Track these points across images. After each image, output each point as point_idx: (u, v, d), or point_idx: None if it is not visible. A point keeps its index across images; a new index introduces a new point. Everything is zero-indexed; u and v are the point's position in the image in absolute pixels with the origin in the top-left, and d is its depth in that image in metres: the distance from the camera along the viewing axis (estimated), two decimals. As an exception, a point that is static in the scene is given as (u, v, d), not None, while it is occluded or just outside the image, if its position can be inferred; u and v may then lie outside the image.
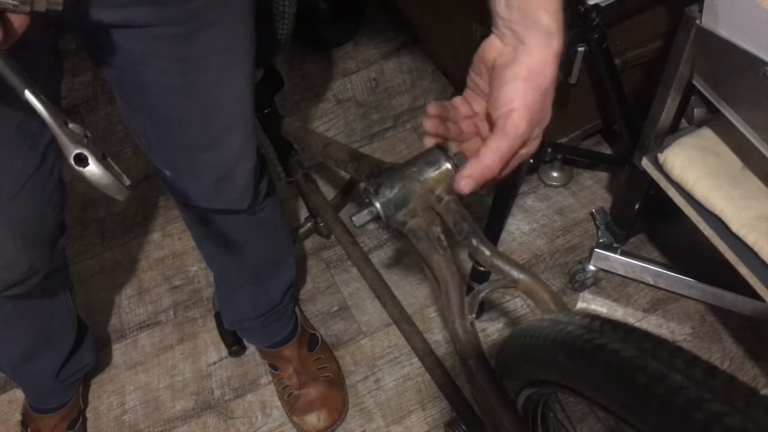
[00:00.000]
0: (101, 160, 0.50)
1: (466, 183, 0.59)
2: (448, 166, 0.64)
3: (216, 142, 0.87)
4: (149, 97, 0.80)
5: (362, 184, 0.67)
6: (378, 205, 0.65)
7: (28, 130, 0.76)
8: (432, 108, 0.61)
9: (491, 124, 0.60)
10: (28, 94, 0.50)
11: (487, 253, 0.63)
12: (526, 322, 0.62)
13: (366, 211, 0.66)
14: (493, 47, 0.59)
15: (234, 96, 0.84)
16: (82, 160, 0.49)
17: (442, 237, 0.67)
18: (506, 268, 0.62)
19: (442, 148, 0.64)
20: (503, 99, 0.57)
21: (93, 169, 0.49)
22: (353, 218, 0.66)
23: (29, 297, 0.95)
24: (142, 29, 0.70)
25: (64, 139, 0.50)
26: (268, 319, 1.22)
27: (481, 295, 0.64)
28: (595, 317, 0.48)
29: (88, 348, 1.22)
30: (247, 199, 0.98)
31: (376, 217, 0.66)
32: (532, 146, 0.61)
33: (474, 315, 0.64)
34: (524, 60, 0.57)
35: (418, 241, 0.67)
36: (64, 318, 1.13)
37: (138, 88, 0.79)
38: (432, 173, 0.65)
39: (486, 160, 0.58)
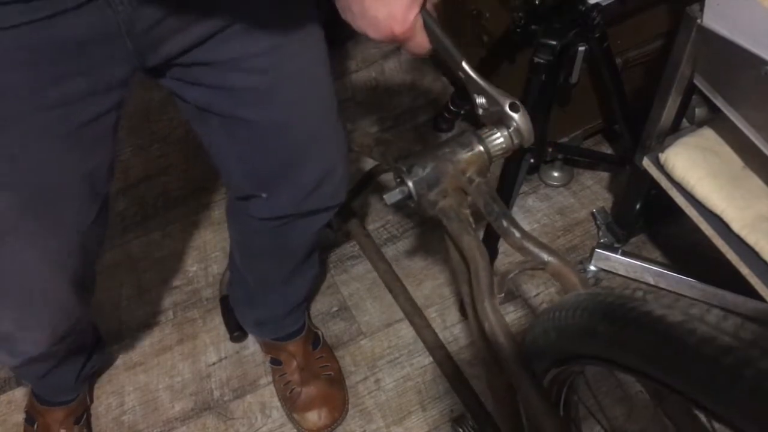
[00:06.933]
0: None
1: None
2: (481, 148, 0.65)
3: (320, 133, 0.83)
4: (243, 109, 0.77)
5: (395, 163, 0.68)
6: (411, 183, 0.65)
7: (94, 182, 0.75)
8: None
9: None
10: (465, 64, 0.65)
11: (517, 234, 0.64)
12: (557, 301, 0.62)
13: (398, 190, 0.66)
14: None
15: (324, 73, 0.81)
16: (515, 108, 0.64)
17: (471, 219, 0.68)
18: (536, 250, 0.63)
19: (475, 132, 0.65)
20: None
21: (521, 115, 0.64)
22: (385, 196, 0.66)
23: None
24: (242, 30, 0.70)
25: (495, 93, 0.64)
26: (288, 313, 1.22)
27: (510, 275, 0.64)
28: (637, 288, 0.50)
29: (102, 346, 1.25)
30: (343, 190, 0.92)
31: (408, 196, 0.66)
32: None
33: (503, 295, 0.64)
34: None
35: (449, 221, 0.67)
36: (88, 331, 1.15)
37: (232, 105, 0.77)
38: (465, 155, 0.65)
39: None
